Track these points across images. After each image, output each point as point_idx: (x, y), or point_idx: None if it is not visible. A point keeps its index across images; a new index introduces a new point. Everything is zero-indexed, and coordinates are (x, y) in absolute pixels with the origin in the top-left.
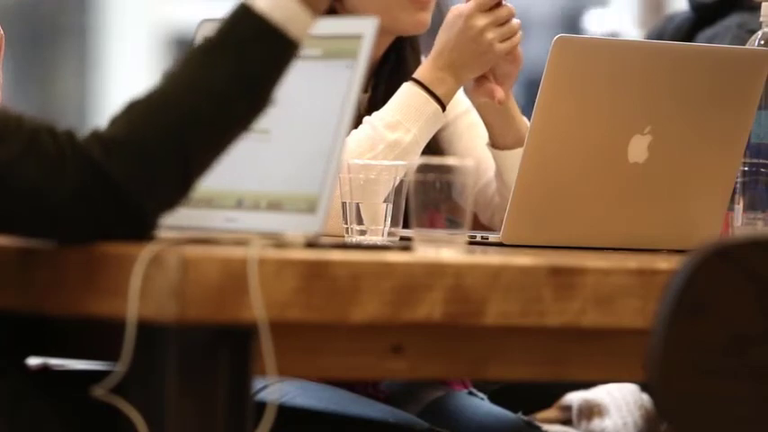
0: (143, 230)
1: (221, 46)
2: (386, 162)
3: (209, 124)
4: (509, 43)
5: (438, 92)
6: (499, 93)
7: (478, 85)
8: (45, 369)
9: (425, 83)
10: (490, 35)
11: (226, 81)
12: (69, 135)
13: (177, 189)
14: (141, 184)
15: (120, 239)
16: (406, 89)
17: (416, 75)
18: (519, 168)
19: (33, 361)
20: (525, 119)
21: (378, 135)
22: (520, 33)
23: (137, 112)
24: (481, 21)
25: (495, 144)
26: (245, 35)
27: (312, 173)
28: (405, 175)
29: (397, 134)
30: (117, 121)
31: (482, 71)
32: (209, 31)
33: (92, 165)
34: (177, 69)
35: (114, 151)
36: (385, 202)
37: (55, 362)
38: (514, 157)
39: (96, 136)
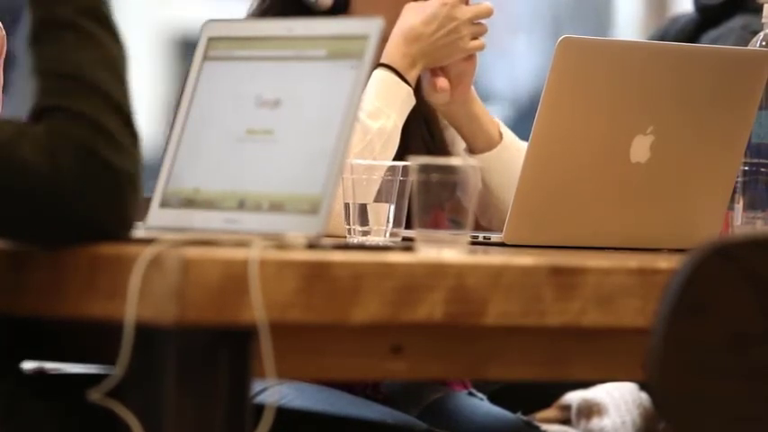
0: (135, 199)
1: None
2: (388, 162)
3: (104, 67)
4: (477, 42)
5: (409, 77)
6: (441, 82)
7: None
8: (41, 373)
9: (398, 68)
10: (465, 30)
11: (84, 27)
12: (48, 130)
13: (135, 141)
14: (110, 150)
15: (120, 220)
16: (381, 76)
17: (387, 60)
18: (522, 168)
19: (29, 365)
20: (497, 119)
21: (364, 126)
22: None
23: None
24: (463, 14)
25: (470, 149)
26: None
27: (315, 174)
28: (407, 176)
29: (381, 121)
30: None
31: (445, 63)
32: (213, 31)
33: (79, 151)
34: (39, 54)
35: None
36: (388, 202)
37: (51, 365)
38: (489, 160)
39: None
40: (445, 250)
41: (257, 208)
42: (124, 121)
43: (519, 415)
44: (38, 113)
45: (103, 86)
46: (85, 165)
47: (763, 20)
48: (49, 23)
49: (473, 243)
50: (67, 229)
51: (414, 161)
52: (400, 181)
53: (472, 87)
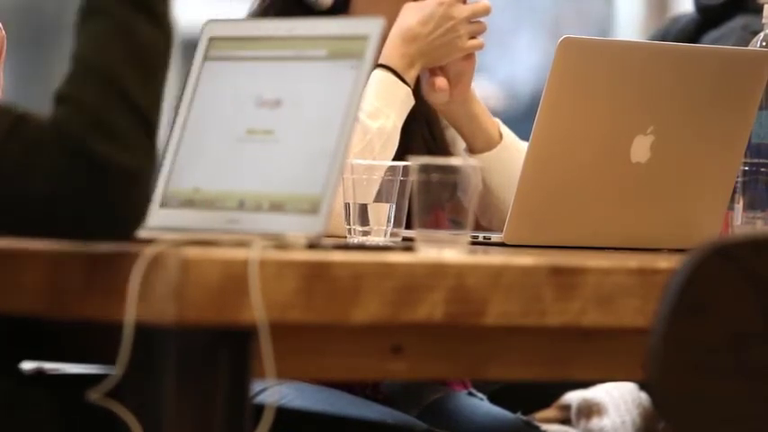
0: (135, 198)
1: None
2: (388, 162)
3: (129, 61)
4: (476, 41)
5: (407, 77)
6: (439, 81)
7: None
8: (41, 373)
9: (396, 69)
10: (463, 29)
11: (118, 14)
12: (51, 121)
13: (146, 140)
14: (110, 146)
15: (114, 219)
16: (380, 77)
17: (386, 60)
18: (522, 168)
19: (29, 365)
20: (497, 120)
21: (363, 126)
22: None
23: (72, 88)
24: (461, 12)
25: (469, 149)
26: None
27: (315, 174)
28: (408, 176)
29: (380, 121)
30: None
31: (444, 62)
32: (214, 31)
33: (69, 144)
34: (75, 40)
35: (77, 128)
36: (388, 202)
37: (50, 366)
38: (489, 160)
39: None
40: (445, 250)
41: (257, 208)
42: (138, 120)
43: (519, 415)
44: (55, 99)
45: (122, 82)
46: (75, 164)
47: (764, 20)
48: (89, 9)
49: (473, 243)
50: (57, 231)
51: (414, 161)
52: (400, 181)
53: (472, 87)
